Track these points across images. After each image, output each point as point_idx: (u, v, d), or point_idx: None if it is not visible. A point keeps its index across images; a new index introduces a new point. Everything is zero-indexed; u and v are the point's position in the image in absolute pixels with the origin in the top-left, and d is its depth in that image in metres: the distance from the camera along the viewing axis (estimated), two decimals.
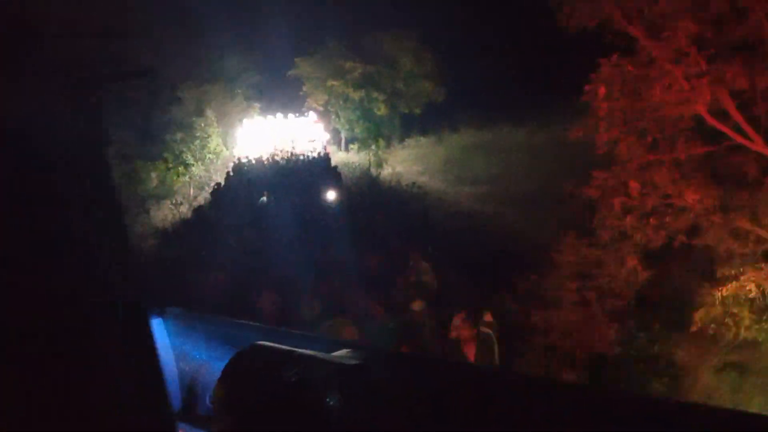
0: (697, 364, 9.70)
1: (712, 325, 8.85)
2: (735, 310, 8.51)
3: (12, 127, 0.98)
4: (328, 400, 1.23)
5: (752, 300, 8.37)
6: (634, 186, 9.13)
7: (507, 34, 21.38)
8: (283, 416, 1.26)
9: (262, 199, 16.22)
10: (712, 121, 8.17)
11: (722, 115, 8.10)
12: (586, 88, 8.32)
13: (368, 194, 18.93)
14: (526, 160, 18.73)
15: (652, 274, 9.72)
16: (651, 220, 9.20)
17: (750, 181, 8.41)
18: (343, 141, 26.00)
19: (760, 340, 8.82)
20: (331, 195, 16.49)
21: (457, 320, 6.66)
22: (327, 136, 24.48)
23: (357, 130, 25.16)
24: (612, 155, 9.31)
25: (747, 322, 8.58)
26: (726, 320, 8.66)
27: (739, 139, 8.11)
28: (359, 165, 22.44)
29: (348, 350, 1.49)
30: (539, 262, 10.92)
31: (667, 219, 9.11)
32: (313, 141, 22.16)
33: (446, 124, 24.16)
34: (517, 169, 18.29)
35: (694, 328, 9.11)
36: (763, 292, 8.43)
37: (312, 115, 24.11)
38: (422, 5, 22.17)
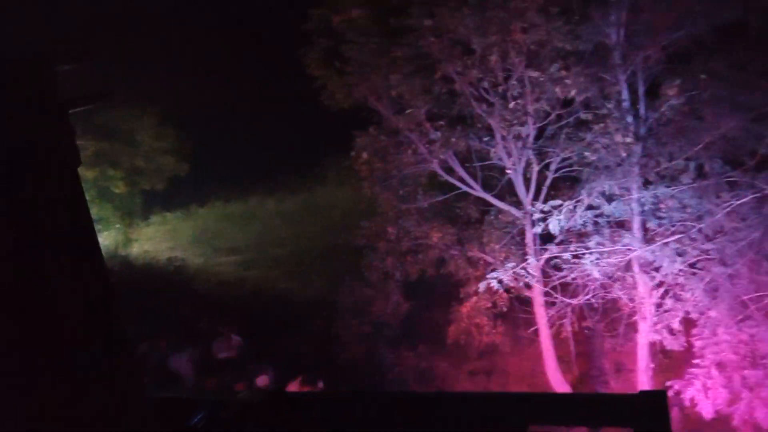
0: (454, 372, 11.92)
1: (462, 336, 11.10)
2: (477, 321, 10.86)
3: None
4: None
5: (487, 309, 10.80)
6: (391, 231, 11.16)
7: (249, 110, 22.90)
8: None
9: None
10: (444, 176, 10.61)
11: (450, 170, 10.59)
12: (352, 154, 10.15)
13: (121, 276, 18.27)
14: (279, 225, 20.15)
15: (412, 303, 11.79)
16: (407, 258, 11.30)
17: (474, 219, 11.04)
18: None
19: (497, 343, 11.35)
20: None
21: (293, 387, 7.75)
22: None
23: (94, 211, 23.96)
24: (372, 208, 11.28)
25: (486, 329, 11.00)
26: (471, 330, 10.96)
27: (464, 188, 10.68)
28: (104, 247, 21.40)
29: (247, 392, 1.89)
30: (320, 309, 12.32)
31: (420, 256, 11.29)
32: None
33: (193, 198, 24.43)
34: (273, 234, 19.57)
35: (449, 341, 11.28)
36: (494, 303, 10.92)
37: None
38: (161, 78, 22.44)
